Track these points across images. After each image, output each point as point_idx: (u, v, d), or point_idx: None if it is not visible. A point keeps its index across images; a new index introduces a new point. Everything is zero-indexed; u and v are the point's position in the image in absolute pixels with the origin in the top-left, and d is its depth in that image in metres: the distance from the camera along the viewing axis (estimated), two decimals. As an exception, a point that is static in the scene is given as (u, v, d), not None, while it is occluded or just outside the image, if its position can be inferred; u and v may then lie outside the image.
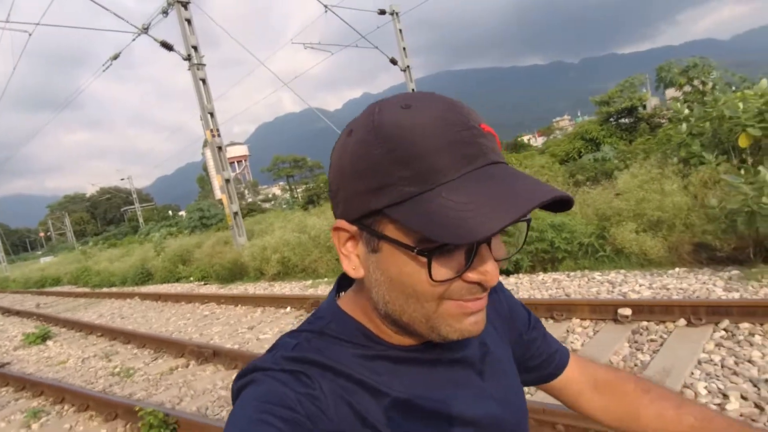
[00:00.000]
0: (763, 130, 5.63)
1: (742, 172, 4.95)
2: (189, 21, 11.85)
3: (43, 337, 8.07)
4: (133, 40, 12.29)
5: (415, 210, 0.45)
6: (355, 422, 0.51)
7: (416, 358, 0.56)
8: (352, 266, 0.52)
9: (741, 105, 5.77)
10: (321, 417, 0.49)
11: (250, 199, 47.71)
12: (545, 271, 5.77)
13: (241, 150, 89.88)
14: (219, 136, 12.10)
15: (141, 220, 47.51)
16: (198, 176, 78.74)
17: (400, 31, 17.00)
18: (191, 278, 12.31)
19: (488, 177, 0.45)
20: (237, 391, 0.52)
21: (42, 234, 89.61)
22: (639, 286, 4.39)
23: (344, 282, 0.63)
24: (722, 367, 2.84)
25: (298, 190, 47.96)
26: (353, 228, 0.51)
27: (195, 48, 11.92)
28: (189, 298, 9.17)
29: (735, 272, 4.33)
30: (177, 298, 9.53)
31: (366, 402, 0.52)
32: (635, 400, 0.74)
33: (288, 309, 6.75)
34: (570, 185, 7.11)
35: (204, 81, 11.98)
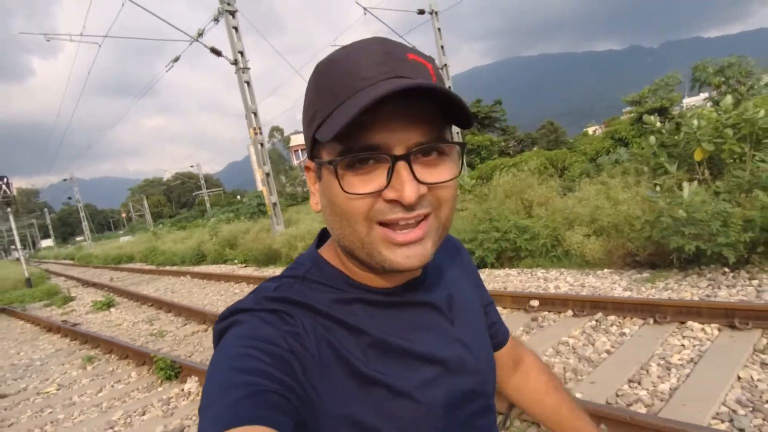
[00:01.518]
0: (716, 146, 6.00)
1: (693, 185, 5.39)
2: (236, 28, 13.18)
3: (108, 305, 9.75)
4: (190, 44, 13.85)
5: (329, 123, 0.48)
6: (335, 358, 0.53)
7: (388, 301, 0.59)
8: (315, 201, 0.57)
9: (696, 122, 6.15)
10: (304, 353, 0.50)
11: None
12: (506, 267, 6.46)
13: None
14: (261, 133, 13.42)
15: (208, 205, 51.02)
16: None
17: (439, 30, 17.58)
18: (236, 261, 13.84)
19: (389, 84, 0.47)
20: (219, 333, 0.53)
21: (123, 215, 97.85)
22: (564, 282, 5.04)
23: (326, 234, 0.65)
24: (573, 349, 3.55)
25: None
26: (312, 163, 0.55)
27: (241, 53, 13.25)
28: (227, 278, 10.57)
29: (645, 275, 4.89)
30: (218, 277, 10.99)
31: (345, 340, 0.54)
32: (543, 390, 0.83)
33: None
34: (558, 188, 7.58)
35: (248, 83, 13.32)
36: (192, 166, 53.42)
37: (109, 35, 12.18)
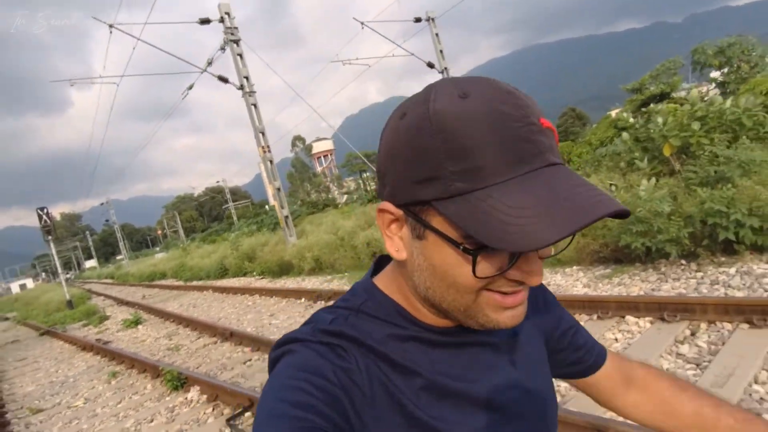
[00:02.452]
0: (683, 140, 6.21)
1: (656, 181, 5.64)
2: (241, 56, 13.91)
3: (136, 323, 10.56)
4: (200, 74, 14.65)
5: (464, 208, 0.44)
6: (386, 399, 0.52)
7: (449, 341, 0.57)
8: (395, 248, 0.53)
9: (660, 119, 6.38)
10: (355, 390, 0.50)
11: (336, 192, 50.82)
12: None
13: (327, 145, 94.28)
14: (269, 151, 14.10)
15: (234, 218, 52.57)
16: (287, 173, 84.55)
17: (437, 35, 17.92)
18: (254, 273, 14.56)
19: (544, 181, 0.44)
20: (273, 361, 0.54)
21: (159, 232, 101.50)
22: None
23: (382, 262, 0.64)
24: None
25: (371, 184, 50.10)
26: (399, 212, 0.51)
27: (247, 78, 13.98)
28: (243, 291, 11.24)
29: (608, 271, 5.18)
30: (235, 290, 11.68)
31: (398, 380, 0.53)
32: (671, 397, 0.74)
33: (302, 300, 8.40)
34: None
35: (255, 106, 14.02)
36: (217, 182, 55.07)
37: (126, 74, 13.10)
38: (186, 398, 4.82)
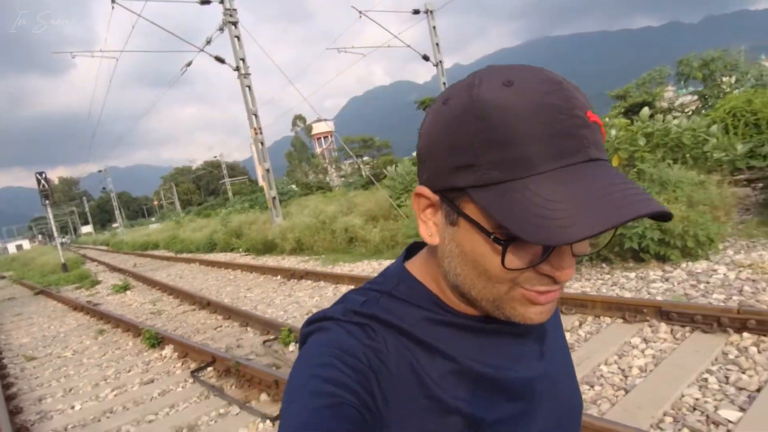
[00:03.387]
0: (630, 153, 6.87)
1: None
2: (238, 38, 14.39)
3: (125, 288, 11.28)
4: (197, 54, 15.12)
5: (499, 198, 0.44)
6: (414, 380, 0.52)
7: (480, 327, 0.56)
8: (429, 233, 0.53)
9: (614, 132, 7.01)
10: (383, 370, 0.51)
11: (334, 174, 51.32)
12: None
13: (328, 126, 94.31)
14: (261, 133, 14.68)
15: (230, 194, 53.12)
16: (286, 152, 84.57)
17: (434, 28, 18.35)
18: (240, 249, 15.26)
19: (583, 176, 0.43)
20: (305, 336, 0.55)
21: (156, 202, 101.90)
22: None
23: (414, 248, 0.64)
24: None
25: (366, 168, 50.58)
26: (435, 197, 0.51)
27: (243, 60, 14.47)
28: (227, 266, 11.95)
29: None
30: (220, 265, 12.40)
31: (426, 362, 0.53)
32: None
33: (278, 277, 9.11)
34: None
35: (249, 87, 14.55)
36: (215, 157, 55.57)
37: (125, 50, 13.61)
38: (161, 354, 5.54)
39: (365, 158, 54.45)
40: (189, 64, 16.33)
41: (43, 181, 18.78)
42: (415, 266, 0.60)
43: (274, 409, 3.56)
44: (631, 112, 14.09)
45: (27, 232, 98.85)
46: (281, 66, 14.51)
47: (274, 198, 14.70)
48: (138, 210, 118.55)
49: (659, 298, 4.18)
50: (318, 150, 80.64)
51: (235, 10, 14.26)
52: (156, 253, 22.43)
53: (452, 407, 0.53)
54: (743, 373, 2.76)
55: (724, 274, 4.27)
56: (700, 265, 4.68)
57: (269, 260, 11.97)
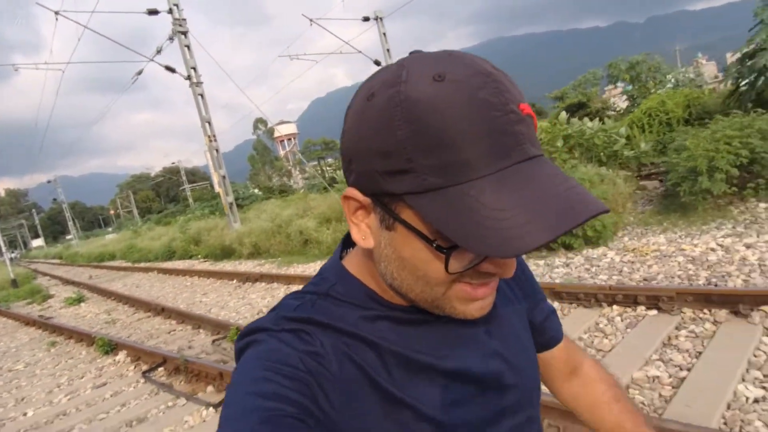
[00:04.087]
0: (549, 154, 7.53)
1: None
2: (188, 47, 14.45)
3: (79, 300, 11.21)
4: (147, 63, 15.08)
5: (438, 204, 0.42)
6: (357, 376, 0.52)
7: (419, 318, 0.56)
8: (362, 236, 0.51)
9: (543, 135, 7.66)
10: (323, 372, 0.50)
11: (299, 177, 51.12)
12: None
13: (290, 128, 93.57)
14: (215, 141, 14.80)
15: (190, 200, 52.17)
16: (248, 155, 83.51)
17: (384, 34, 18.89)
18: (199, 256, 15.31)
19: (525, 178, 0.41)
20: (239, 351, 0.53)
21: (112, 212, 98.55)
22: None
23: (349, 240, 0.62)
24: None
25: (328, 169, 50.79)
26: (366, 200, 0.49)
27: (194, 69, 14.55)
28: (185, 273, 12.06)
29: None
30: (178, 272, 12.47)
31: (369, 358, 0.53)
32: (603, 402, 0.77)
33: (234, 281, 9.36)
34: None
35: (202, 96, 14.64)
36: (173, 163, 54.44)
37: (71, 62, 13.47)
38: (114, 360, 5.75)
39: (329, 160, 54.65)
40: (140, 73, 16.21)
41: (-13, 195, 18.18)
42: (353, 263, 0.59)
43: (219, 398, 3.92)
44: (569, 112, 14.99)
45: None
46: (242, 69, 14.68)
47: (231, 204, 14.84)
48: (93, 220, 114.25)
49: (558, 281, 4.77)
50: (281, 152, 79.98)
51: (184, 20, 14.34)
52: (113, 264, 22.01)
53: (398, 399, 0.52)
54: (606, 337, 3.33)
55: (611, 258, 4.92)
56: (597, 251, 5.34)
57: (226, 265, 12.15)
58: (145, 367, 5.18)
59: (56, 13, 12.28)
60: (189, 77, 14.45)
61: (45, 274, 24.01)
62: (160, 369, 4.97)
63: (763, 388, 2.45)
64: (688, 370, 2.74)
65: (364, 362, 0.52)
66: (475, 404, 0.57)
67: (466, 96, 0.41)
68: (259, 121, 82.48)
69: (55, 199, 51.65)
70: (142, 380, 4.84)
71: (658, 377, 2.73)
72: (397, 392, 0.52)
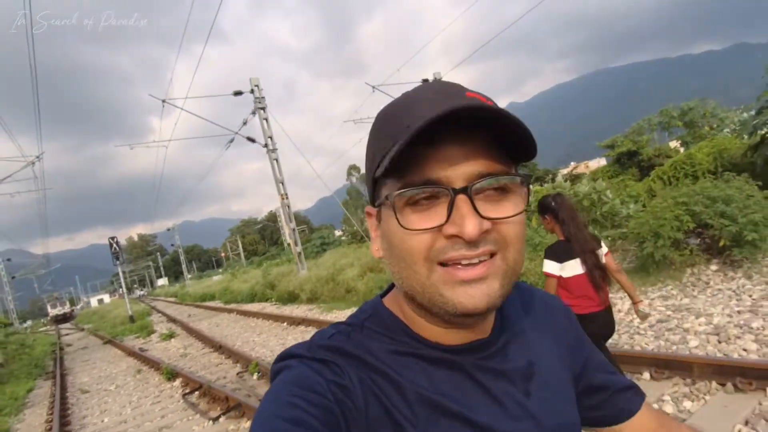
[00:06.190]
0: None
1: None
2: (266, 120, 17.05)
3: (170, 336, 13.48)
4: (234, 135, 17.93)
5: (383, 163, 0.49)
6: (381, 414, 0.52)
7: (452, 360, 0.56)
8: (375, 247, 0.56)
9: (531, 199, 8.43)
10: (348, 405, 0.51)
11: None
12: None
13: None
14: (287, 198, 16.98)
15: (285, 244, 56.48)
16: (343, 201, 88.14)
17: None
18: (272, 300, 17.28)
19: (440, 108, 0.46)
20: (273, 375, 0.56)
21: (223, 254, 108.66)
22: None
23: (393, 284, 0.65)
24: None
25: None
26: (374, 210, 0.56)
27: (270, 138, 17.06)
28: (254, 315, 13.91)
29: None
30: (249, 314, 14.39)
31: (394, 396, 0.53)
32: None
33: (284, 324, 10.89)
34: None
35: (277, 161, 17.02)
36: (271, 211, 59.68)
37: (173, 138, 16.68)
38: (172, 385, 7.40)
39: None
40: (231, 141, 19.25)
41: (114, 245, 22.15)
42: (390, 299, 0.63)
43: (217, 413, 5.24)
44: (619, 162, 14.98)
45: (109, 286, 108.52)
46: (344, 113, 16.52)
47: (299, 253, 16.77)
48: (208, 261, 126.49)
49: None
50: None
51: (263, 98, 17.00)
52: (211, 303, 25.01)
53: None
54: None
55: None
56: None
57: (287, 309, 13.83)
58: (188, 390, 6.71)
59: (163, 101, 15.42)
60: (266, 145, 16.94)
61: (159, 312, 27.83)
62: (196, 392, 6.45)
63: None
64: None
65: (387, 400, 0.53)
66: None
67: (420, 89, 0.53)
68: (353, 168, 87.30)
69: (172, 244, 58.93)
70: (181, 400, 6.34)
71: None
72: None
